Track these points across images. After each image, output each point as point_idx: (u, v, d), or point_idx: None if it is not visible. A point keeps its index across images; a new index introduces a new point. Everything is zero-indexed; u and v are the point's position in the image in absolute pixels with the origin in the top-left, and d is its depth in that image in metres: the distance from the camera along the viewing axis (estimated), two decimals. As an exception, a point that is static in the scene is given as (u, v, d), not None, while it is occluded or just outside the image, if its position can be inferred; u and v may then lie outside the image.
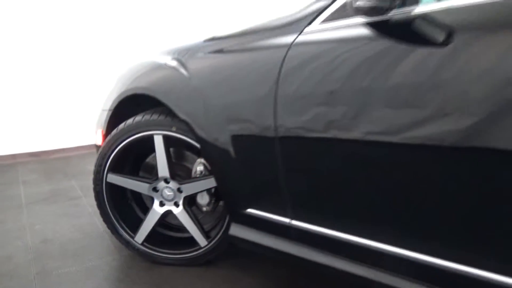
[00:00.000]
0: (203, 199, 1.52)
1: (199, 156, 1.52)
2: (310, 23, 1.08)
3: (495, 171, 0.78)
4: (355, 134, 0.95)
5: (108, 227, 1.64)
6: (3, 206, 2.32)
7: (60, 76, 3.75)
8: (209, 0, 4.48)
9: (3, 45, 3.46)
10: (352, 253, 1.06)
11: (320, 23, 1.07)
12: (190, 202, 1.56)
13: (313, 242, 1.16)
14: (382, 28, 0.94)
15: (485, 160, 0.78)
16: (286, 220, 1.20)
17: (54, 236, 1.89)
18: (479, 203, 0.81)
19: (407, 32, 0.91)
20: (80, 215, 2.14)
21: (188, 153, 1.65)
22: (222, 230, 1.48)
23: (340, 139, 0.99)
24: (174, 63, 1.40)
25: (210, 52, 1.33)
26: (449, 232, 0.87)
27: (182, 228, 1.61)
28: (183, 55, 1.39)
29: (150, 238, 1.59)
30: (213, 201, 1.52)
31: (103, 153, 1.56)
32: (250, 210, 1.28)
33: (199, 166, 1.54)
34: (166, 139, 1.47)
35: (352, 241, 1.05)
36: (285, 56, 1.10)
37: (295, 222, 1.18)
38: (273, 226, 1.24)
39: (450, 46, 0.81)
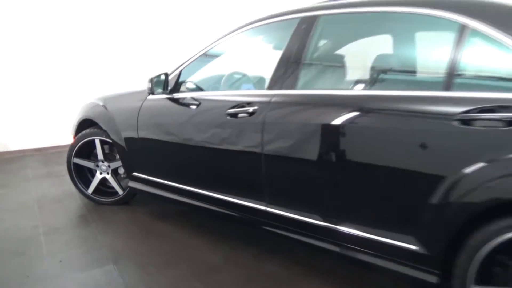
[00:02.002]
0: (121, 170, 3.06)
1: (118, 149, 3.05)
2: (149, 94, 2.61)
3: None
4: (161, 136, 2.48)
5: (74, 186, 3.16)
6: (18, 180, 3.85)
7: (58, 90, 5.25)
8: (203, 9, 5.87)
9: (10, 56, 4.95)
10: (175, 191, 2.55)
11: (153, 94, 2.59)
12: (115, 172, 3.08)
13: (160, 187, 2.66)
14: (171, 100, 2.47)
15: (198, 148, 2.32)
16: (146, 176, 2.72)
17: (48, 193, 3.42)
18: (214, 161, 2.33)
19: (179, 102, 2.43)
20: (64, 184, 3.66)
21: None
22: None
23: (157, 139, 2.52)
24: (102, 104, 2.93)
25: (116, 101, 2.87)
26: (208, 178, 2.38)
27: (111, 186, 3.12)
28: (107, 101, 2.93)
29: (95, 191, 3.11)
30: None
31: (72, 147, 3.09)
32: (135, 173, 2.80)
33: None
34: (101, 141, 2.99)
35: (173, 185, 2.55)
36: (141, 106, 2.63)
37: (150, 177, 2.70)
38: (144, 180, 2.76)
39: (196, 109, 2.31)
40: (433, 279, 1.50)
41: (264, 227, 2.06)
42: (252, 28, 2.28)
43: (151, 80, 2.46)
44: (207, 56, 2.54)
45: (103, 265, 2.20)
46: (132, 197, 3.10)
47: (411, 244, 1.54)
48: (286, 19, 2.10)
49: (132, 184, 2.85)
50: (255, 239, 2.45)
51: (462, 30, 1.49)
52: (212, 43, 2.44)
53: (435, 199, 1.44)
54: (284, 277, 2.06)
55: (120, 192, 3.06)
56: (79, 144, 3.06)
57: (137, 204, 3.13)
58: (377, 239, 1.62)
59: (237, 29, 2.35)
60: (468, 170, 1.36)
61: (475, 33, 1.46)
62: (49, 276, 2.08)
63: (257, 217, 2.07)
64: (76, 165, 3.12)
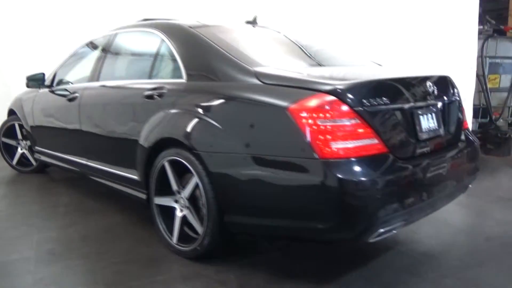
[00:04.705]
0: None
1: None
2: (40, 88, 3.64)
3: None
4: (44, 118, 3.50)
5: (4, 159, 4.22)
6: None
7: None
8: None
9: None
10: (58, 159, 3.56)
11: (43, 88, 3.61)
12: (30, 148, 4.12)
13: (47, 155, 3.67)
14: (51, 92, 3.48)
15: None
16: (40, 149, 3.74)
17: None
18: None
19: (55, 92, 3.44)
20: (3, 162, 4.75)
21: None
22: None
23: (42, 120, 3.54)
24: (19, 98, 3.99)
25: (26, 95, 3.92)
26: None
27: (29, 159, 4.16)
28: (23, 95, 3.99)
29: (18, 163, 4.16)
30: (38, 148, 4.10)
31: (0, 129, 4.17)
32: (37, 148, 3.83)
33: (33, 135, 4.13)
34: (19, 125, 4.04)
35: (51, 152, 3.56)
36: (35, 96, 3.67)
37: (43, 149, 3.71)
38: (40, 151, 3.77)
39: (60, 97, 3.31)
40: (143, 196, 2.42)
41: (89, 176, 3.03)
42: (96, 39, 3.27)
43: (26, 78, 3.49)
44: (83, 55, 3.49)
45: (5, 199, 3.31)
46: (44, 167, 4.13)
47: (135, 176, 2.46)
48: (104, 36, 3.07)
49: (41, 158, 3.87)
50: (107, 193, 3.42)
51: (161, 41, 2.43)
52: (80, 47, 3.42)
53: (137, 144, 2.36)
54: (109, 209, 3.00)
55: (34, 163, 4.10)
56: (4, 127, 4.13)
57: (48, 173, 4.16)
58: (120, 173, 2.57)
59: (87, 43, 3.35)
60: (148, 123, 2.29)
61: (164, 43, 2.39)
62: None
63: (86, 170, 3.04)
64: (4, 143, 4.18)
